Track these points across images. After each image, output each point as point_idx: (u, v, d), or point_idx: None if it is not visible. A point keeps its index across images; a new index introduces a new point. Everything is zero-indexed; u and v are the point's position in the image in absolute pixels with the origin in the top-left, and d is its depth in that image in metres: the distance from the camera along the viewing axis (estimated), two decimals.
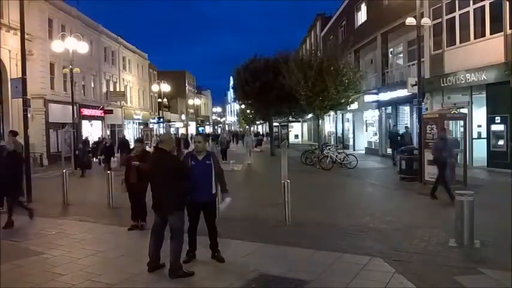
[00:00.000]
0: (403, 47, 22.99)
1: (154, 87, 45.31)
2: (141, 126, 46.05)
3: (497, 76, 14.48)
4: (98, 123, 34.70)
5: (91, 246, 6.99)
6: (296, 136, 50.66)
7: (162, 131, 49.66)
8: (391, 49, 24.71)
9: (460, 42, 16.77)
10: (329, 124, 37.88)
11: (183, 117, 72.71)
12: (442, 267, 5.62)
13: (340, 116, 33.36)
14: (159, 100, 47.75)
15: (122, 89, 40.43)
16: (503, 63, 14.12)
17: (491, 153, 15.40)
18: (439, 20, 17.86)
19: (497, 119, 15.04)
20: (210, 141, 29.48)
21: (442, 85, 17.42)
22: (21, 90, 12.04)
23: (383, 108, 24.56)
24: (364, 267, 5.64)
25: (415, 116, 18.66)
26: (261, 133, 54.65)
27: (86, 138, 25.65)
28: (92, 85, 33.88)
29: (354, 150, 28.20)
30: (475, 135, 16.57)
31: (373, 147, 26.28)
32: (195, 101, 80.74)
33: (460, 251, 6.32)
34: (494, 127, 15.27)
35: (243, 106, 44.12)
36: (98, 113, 33.96)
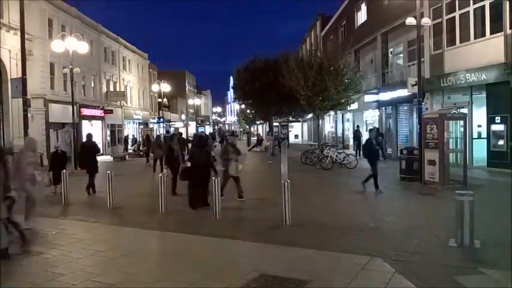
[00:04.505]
0: (403, 47, 22.99)
1: (154, 87, 45.28)
2: (141, 126, 46.09)
3: (497, 76, 14.48)
4: (98, 123, 34.70)
5: (91, 246, 6.98)
6: (296, 136, 50.67)
7: (162, 130, 49.70)
8: (391, 49, 24.70)
9: (460, 42, 16.77)
10: (329, 124, 37.89)
11: (183, 117, 72.72)
12: (442, 267, 5.62)
13: (340, 116, 33.37)
14: (159, 100, 47.72)
15: (122, 89, 40.44)
16: (503, 63, 14.12)
17: (491, 153, 15.40)
18: (439, 20, 17.86)
19: (497, 119, 15.04)
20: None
21: (442, 85, 17.42)
22: (21, 90, 12.07)
23: (383, 108, 24.56)
24: (364, 267, 5.63)
25: (415, 116, 18.68)
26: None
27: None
28: (92, 85, 33.89)
29: (354, 150, 28.19)
30: (475, 135, 16.57)
31: None
32: (195, 101, 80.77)
33: (460, 251, 6.32)
34: (494, 127, 15.27)
35: (243, 106, 44.10)
36: (98, 113, 33.97)
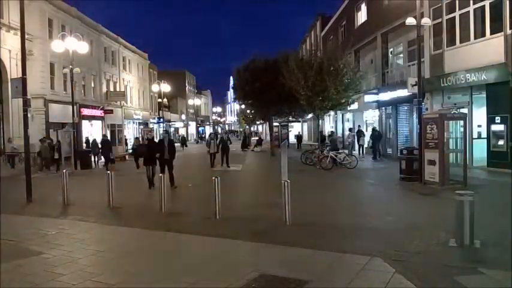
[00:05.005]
0: (403, 47, 22.99)
1: (154, 87, 45.36)
2: (141, 126, 46.09)
3: (497, 76, 14.48)
4: (98, 123, 34.72)
5: (91, 246, 6.98)
6: (296, 136, 50.57)
7: (162, 130, 49.76)
8: (391, 49, 24.71)
9: (460, 42, 16.77)
10: (329, 124, 37.88)
11: (183, 117, 72.72)
12: (442, 267, 5.62)
13: (340, 116, 33.37)
14: (159, 100, 47.77)
15: (122, 89, 40.45)
16: (503, 63, 14.12)
17: (491, 153, 15.40)
18: (439, 20, 17.86)
19: (497, 119, 15.04)
20: None
21: (442, 85, 17.42)
22: (21, 90, 12.04)
23: (383, 108, 24.56)
24: (364, 267, 5.63)
25: (415, 116, 18.68)
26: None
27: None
28: (92, 85, 33.90)
29: (354, 150, 28.19)
30: (475, 135, 16.57)
31: None
32: (195, 101, 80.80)
33: (460, 251, 6.31)
34: (494, 127, 15.27)
35: (243, 106, 44.12)
36: (98, 113, 33.98)
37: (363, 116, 28.46)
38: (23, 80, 11.98)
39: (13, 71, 21.92)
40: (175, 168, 14.21)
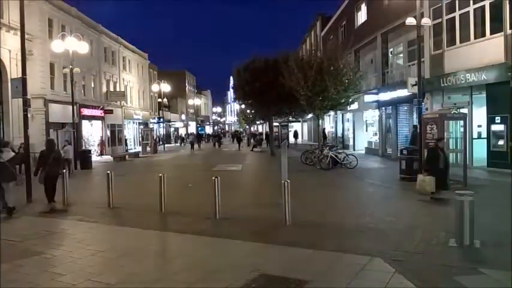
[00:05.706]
0: (403, 47, 22.99)
1: (154, 87, 45.36)
2: (141, 126, 46.09)
3: (497, 76, 14.48)
4: (98, 123, 34.71)
5: (91, 246, 6.98)
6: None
7: (162, 131, 49.79)
8: (391, 49, 24.70)
9: (460, 42, 16.77)
10: (329, 124, 37.90)
11: (183, 117, 72.73)
12: (442, 267, 5.62)
13: (340, 116, 33.38)
14: (159, 100, 47.77)
15: (122, 89, 40.44)
16: (503, 63, 14.12)
17: (491, 153, 15.40)
18: (439, 20, 17.86)
19: (497, 119, 15.04)
20: None
21: (442, 85, 17.42)
22: (21, 90, 12.04)
23: (383, 108, 24.55)
24: (364, 267, 5.63)
25: (415, 116, 18.68)
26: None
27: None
28: (92, 85, 33.89)
29: (354, 150, 28.20)
30: (475, 135, 16.57)
31: (373, 147, 26.29)
32: (195, 101, 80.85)
33: (460, 251, 6.32)
34: (494, 127, 15.27)
35: (243, 106, 44.14)
36: (98, 113, 33.97)
37: (363, 116, 28.47)
38: (23, 80, 11.98)
39: (13, 71, 21.89)
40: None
